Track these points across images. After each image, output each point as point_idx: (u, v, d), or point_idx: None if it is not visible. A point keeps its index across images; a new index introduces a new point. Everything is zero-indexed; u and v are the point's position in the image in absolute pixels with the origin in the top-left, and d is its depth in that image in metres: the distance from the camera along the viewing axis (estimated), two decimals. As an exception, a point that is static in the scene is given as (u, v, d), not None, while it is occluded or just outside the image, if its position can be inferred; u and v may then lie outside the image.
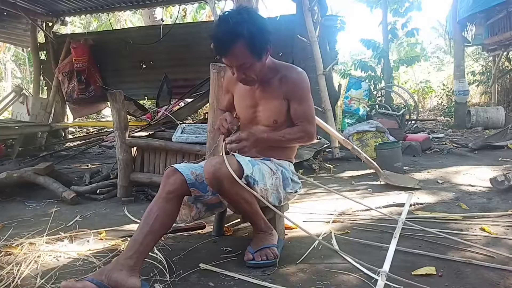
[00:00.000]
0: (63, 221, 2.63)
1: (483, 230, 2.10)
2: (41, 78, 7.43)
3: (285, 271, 1.71)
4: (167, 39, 6.31)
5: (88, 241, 2.18)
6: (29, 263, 1.83)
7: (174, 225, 1.79)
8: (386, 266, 1.62)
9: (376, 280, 1.53)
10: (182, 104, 5.05)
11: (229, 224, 2.33)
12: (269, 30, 1.77)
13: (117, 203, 3.16)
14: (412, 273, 1.62)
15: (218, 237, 2.19)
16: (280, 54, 5.33)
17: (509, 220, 2.25)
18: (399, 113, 6.79)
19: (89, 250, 2.04)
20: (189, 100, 4.76)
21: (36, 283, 1.64)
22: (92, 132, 8.25)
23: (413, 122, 7.99)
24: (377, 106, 7.67)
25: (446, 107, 11.00)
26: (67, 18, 7.50)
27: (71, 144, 6.85)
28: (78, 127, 8.67)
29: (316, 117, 2.11)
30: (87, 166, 5.08)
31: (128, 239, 1.94)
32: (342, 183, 3.57)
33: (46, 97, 7.24)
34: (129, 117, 4.52)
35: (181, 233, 2.25)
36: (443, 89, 11.94)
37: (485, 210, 2.49)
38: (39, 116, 6.53)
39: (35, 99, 6.84)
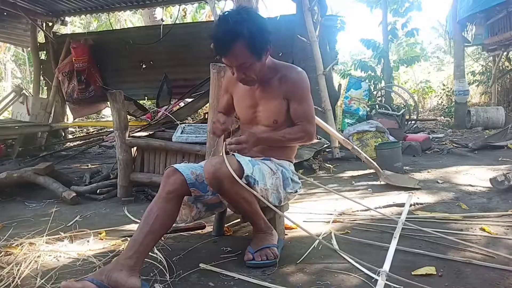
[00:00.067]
0: (63, 221, 2.63)
1: (483, 230, 2.10)
2: (41, 78, 7.43)
3: (285, 271, 1.71)
4: (167, 39, 6.31)
5: (88, 241, 2.18)
6: (29, 263, 1.83)
7: (174, 225, 1.79)
8: (386, 266, 1.61)
9: (376, 280, 1.53)
10: (182, 104, 5.05)
11: (229, 224, 2.33)
12: (269, 30, 1.77)
13: (117, 203, 3.15)
14: (412, 273, 1.62)
15: (218, 237, 2.19)
16: (280, 54, 5.33)
17: (509, 220, 2.25)
18: (399, 113, 6.79)
19: (89, 250, 2.04)
20: (189, 100, 4.76)
21: (36, 283, 1.64)
22: (92, 132, 8.25)
23: (413, 122, 7.99)
24: (377, 106, 7.67)
25: (446, 107, 11.01)
26: (67, 18, 7.51)
27: (71, 144, 6.85)
28: (78, 127, 8.68)
29: (316, 117, 2.11)
30: (87, 166, 5.08)
31: (128, 239, 1.94)
32: (342, 183, 3.57)
33: (46, 97, 7.24)
34: (129, 117, 4.52)
35: (181, 233, 2.25)
36: (443, 89, 11.94)
37: (485, 210, 2.49)
38: (39, 116, 6.53)
39: (35, 99, 6.84)
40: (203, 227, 2.33)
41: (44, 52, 7.37)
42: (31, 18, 6.68)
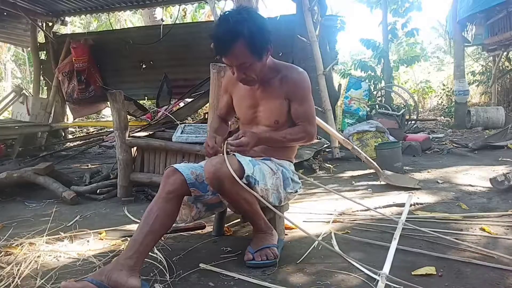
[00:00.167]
0: (63, 221, 2.63)
1: (483, 230, 2.10)
2: (41, 78, 7.43)
3: (285, 271, 1.71)
4: (167, 39, 6.32)
5: (88, 241, 2.18)
6: (29, 263, 1.83)
7: (174, 225, 1.79)
8: (387, 268, 1.61)
9: (376, 279, 1.53)
10: (182, 104, 5.05)
11: (229, 224, 2.33)
12: (269, 30, 1.77)
13: (117, 203, 3.15)
14: (412, 273, 1.62)
15: (218, 237, 2.19)
16: (280, 54, 5.33)
17: (509, 220, 2.25)
18: (399, 113, 6.79)
19: (89, 250, 2.04)
20: (189, 100, 4.76)
21: (36, 283, 1.64)
22: (92, 132, 8.25)
23: (413, 122, 7.99)
24: (377, 106, 7.67)
25: (446, 107, 11.01)
26: (67, 18, 7.51)
27: (71, 144, 6.85)
28: (78, 127, 8.68)
29: (316, 117, 2.11)
30: (87, 166, 5.08)
31: (128, 239, 1.94)
32: (342, 183, 3.57)
33: (46, 97, 7.24)
34: (129, 117, 4.52)
35: (181, 233, 2.25)
36: (443, 89, 11.94)
37: (485, 210, 2.49)
38: (39, 116, 6.53)
39: (35, 99, 6.84)
40: (203, 227, 2.33)
41: (44, 52, 7.37)
42: (31, 18, 6.68)
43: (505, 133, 5.62)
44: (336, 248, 1.90)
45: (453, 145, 5.47)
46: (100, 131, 7.41)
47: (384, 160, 3.84)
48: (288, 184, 1.95)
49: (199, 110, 6.72)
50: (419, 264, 1.70)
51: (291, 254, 1.89)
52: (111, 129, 4.39)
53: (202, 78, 4.67)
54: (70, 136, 7.61)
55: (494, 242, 1.95)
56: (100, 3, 6.65)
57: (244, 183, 1.65)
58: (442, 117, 10.31)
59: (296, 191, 2.03)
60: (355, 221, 2.38)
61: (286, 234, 2.15)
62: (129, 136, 3.37)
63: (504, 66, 10.09)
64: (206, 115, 3.48)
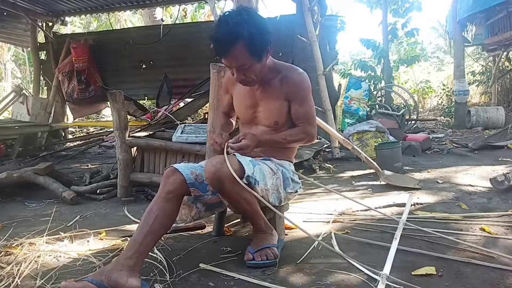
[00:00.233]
0: (63, 221, 2.63)
1: (483, 230, 2.10)
2: (41, 78, 7.43)
3: (285, 271, 1.71)
4: (167, 39, 6.31)
5: (88, 241, 2.18)
6: (29, 263, 1.83)
7: (174, 225, 1.79)
8: (387, 268, 1.61)
9: (376, 279, 1.53)
10: (182, 104, 5.05)
11: (229, 224, 2.33)
12: (269, 31, 1.76)
13: (117, 203, 3.15)
14: (412, 273, 1.62)
15: (218, 237, 2.19)
16: (280, 54, 5.34)
17: (509, 220, 2.25)
18: (399, 113, 6.79)
19: (89, 250, 2.04)
20: (189, 100, 4.76)
21: (36, 283, 1.64)
22: (92, 132, 8.25)
23: (413, 122, 7.99)
24: (377, 106, 7.67)
25: (446, 107, 11.01)
26: (67, 18, 7.51)
27: (71, 144, 6.85)
28: (78, 127, 8.68)
29: (316, 117, 2.11)
30: (87, 166, 5.08)
31: (128, 239, 1.94)
32: (342, 183, 3.57)
33: (46, 97, 7.24)
34: (129, 117, 4.52)
35: (181, 233, 2.25)
36: (443, 89, 11.94)
37: (485, 210, 2.49)
38: (39, 116, 6.53)
39: (35, 99, 6.84)
40: (203, 227, 2.33)
41: (44, 52, 7.37)
42: (31, 18, 6.68)
43: (505, 133, 5.62)
44: (336, 248, 1.90)
45: (453, 145, 5.47)
46: (100, 131, 7.41)
47: (384, 160, 3.84)
48: (288, 184, 1.95)
49: (199, 110, 6.72)
50: (419, 264, 1.70)
51: (291, 254, 1.89)
52: (111, 129, 4.40)
53: (202, 78, 4.67)
54: (70, 136, 7.61)
55: (494, 242, 1.95)
56: (100, 3, 6.65)
57: (244, 183, 1.65)
58: (442, 117, 10.31)
59: (296, 191, 2.03)
60: (355, 221, 2.38)
61: (286, 234, 2.15)
62: (129, 136, 3.37)
63: (504, 66, 10.09)
64: (206, 115, 3.48)
